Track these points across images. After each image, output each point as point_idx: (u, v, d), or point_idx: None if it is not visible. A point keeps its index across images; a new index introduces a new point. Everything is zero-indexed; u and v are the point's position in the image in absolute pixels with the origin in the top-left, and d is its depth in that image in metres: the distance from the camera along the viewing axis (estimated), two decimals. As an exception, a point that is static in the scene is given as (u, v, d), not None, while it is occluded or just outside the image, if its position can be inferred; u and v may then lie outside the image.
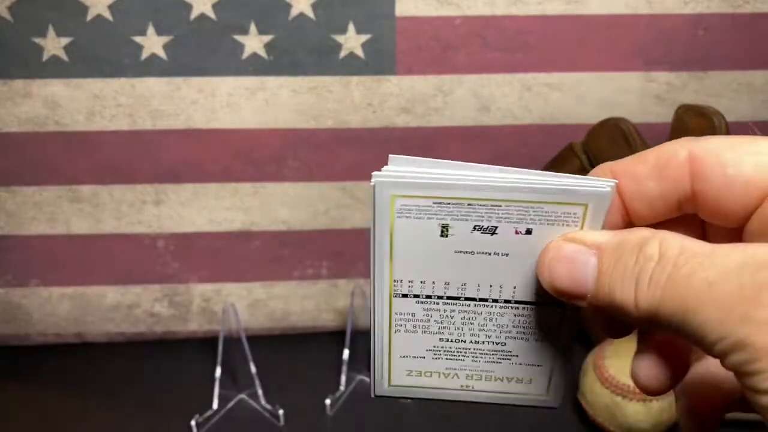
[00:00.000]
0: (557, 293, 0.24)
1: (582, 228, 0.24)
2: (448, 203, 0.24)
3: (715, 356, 0.20)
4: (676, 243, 0.21)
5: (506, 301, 0.26)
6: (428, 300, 0.26)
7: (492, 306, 0.26)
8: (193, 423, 0.62)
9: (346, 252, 0.71)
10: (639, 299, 0.21)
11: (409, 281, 0.26)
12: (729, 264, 0.20)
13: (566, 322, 0.27)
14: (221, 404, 0.64)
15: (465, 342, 0.27)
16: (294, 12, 0.60)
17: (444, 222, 0.24)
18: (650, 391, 0.25)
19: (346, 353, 0.66)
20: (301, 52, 0.62)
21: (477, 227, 0.24)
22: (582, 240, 0.24)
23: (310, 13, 0.61)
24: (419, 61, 0.63)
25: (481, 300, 0.26)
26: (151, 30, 0.60)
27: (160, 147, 0.65)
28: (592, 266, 0.23)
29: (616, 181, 0.24)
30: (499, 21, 0.62)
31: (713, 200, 0.23)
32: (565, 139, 0.64)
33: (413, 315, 0.27)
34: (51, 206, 0.67)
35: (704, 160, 0.23)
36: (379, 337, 0.27)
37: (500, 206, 0.24)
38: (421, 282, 0.26)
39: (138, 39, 0.61)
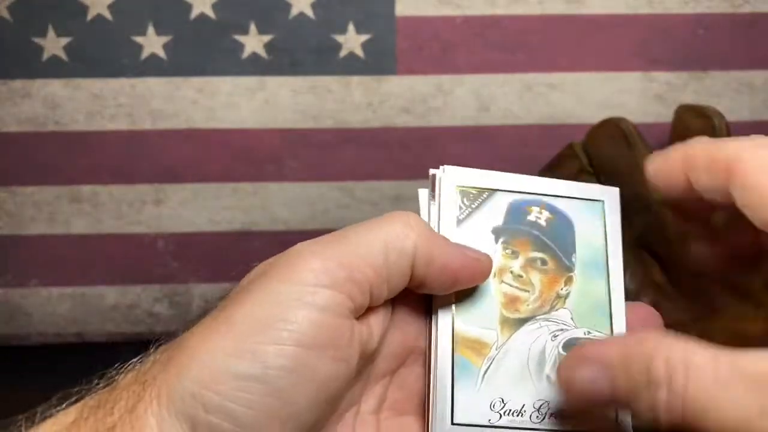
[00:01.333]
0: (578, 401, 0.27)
1: None
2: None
3: None
4: (679, 358, 0.24)
5: None
6: None
7: None
8: (193, 423, 0.61)
9: (346, 252, 0.71)
10: (661, 423, 0.24)
11: None
12: (737, 391, 0.22)
13: None
14: (221, 404, 0.64)
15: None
16: (294, 11, 0.60)
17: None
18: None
19: (346, 353, 0.66)
20: (301, 52, 0.62)
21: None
22: (592, 355, 0.26)
23: (310, 13, 0.61)
24: (419, 60, 0.63)
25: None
26: (150, 30, 0.60)
27: (160, 147, 0.65)
28: (608, 380, 0.25)
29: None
30: (500, 21, 0.62)
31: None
32: (565, 139, 0.64)
33: None
34: (50, 206, 0.67)
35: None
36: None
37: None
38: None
39: (138, 39, 0.61)
